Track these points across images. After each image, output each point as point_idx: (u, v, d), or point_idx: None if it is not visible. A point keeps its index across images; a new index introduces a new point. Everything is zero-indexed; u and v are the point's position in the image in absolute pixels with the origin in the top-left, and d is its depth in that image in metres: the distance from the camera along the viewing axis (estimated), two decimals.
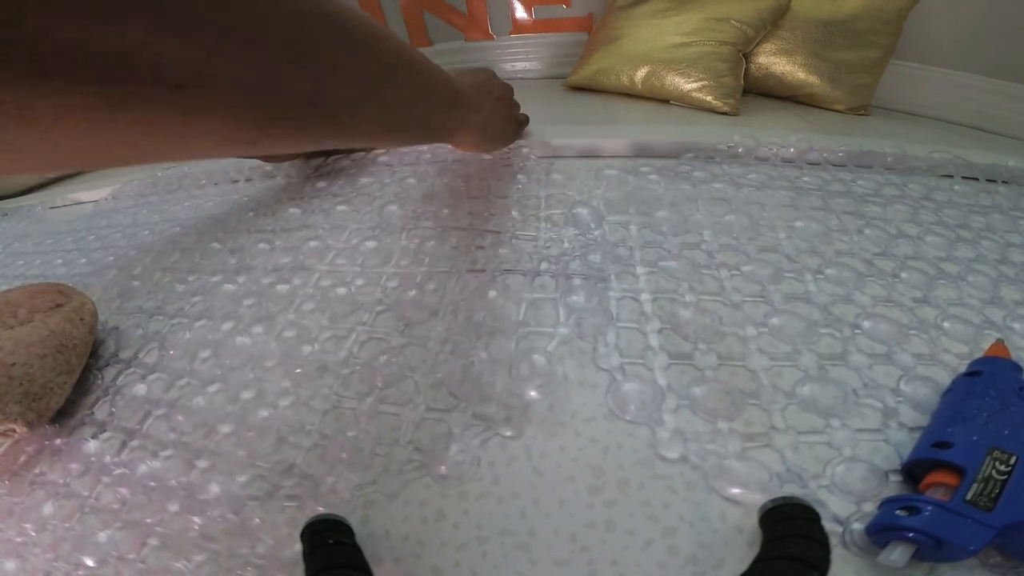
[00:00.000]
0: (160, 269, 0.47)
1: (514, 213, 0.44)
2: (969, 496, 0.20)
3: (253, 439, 0.29)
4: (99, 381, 0.36)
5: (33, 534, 0.27)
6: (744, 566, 0.20)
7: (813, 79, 0.87)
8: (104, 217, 0.62)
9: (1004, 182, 0.49)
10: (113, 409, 0.34)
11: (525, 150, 0.52)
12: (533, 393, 0.29)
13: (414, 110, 0.30)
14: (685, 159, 0.50)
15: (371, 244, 0.43)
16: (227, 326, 0.38)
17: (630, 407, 0.28)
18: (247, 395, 0.32)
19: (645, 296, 0.35)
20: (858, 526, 0.22)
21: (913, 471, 0.23)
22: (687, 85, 0.87)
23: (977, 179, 0.49)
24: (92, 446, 0.31)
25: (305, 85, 0.19)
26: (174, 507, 0.27)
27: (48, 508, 0.28)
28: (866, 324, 0.32)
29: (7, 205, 0.77)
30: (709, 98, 0.85)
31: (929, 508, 0.20)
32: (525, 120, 0.55)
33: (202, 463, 0.29)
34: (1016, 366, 0.25)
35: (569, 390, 0.30)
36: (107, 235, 0.56)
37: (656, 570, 0.22)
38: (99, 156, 0.16)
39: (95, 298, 0.39)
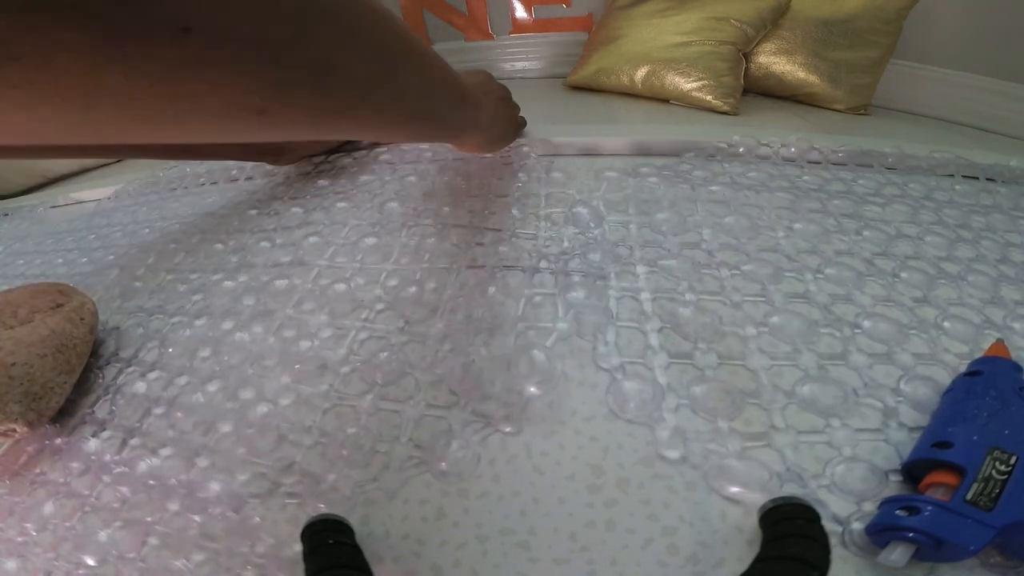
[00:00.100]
0: (161, 268, 0.47)
1: (514, 211, 0.44)
2: (969, 496, 0.20)
3: (253, 437, 0.29)
4: (99, 380, 0.36)
5: (34, 533, 0.27)
6: (744, 566, 0.20)
7: (813, 79, 0.87)
8: (105, 216, 0.62)
9: (1004, 182, 0.49)
10: (113, 408, 0.34)
11: (525, 149, 0.52)
12: (533, 389, 0.29)
13: (428, 100, 0.29)
14: (685, 158, 0.50)
15: (371, 241, 0.43)
16: (227, 324, 0.38)
17: (630, 406, 0.28)
18: (247, 393, 0.32)
19: (645, 295, 0.35)
20: (858, 526, 0.22)
21: (913, 471, 0.23)
22: (687, 85, 0.86)
23: (977, 179, 0.49)
24: (92, 445, 0.31)
25: (321, 50, 0.19)
26: (174, 505, 0.27)
27: (49, 507, 0.28)
28: (866, 324, 0.32)
29: (8, 205, 0.77)
30: (709, 98, 0.85)
31: (929, 508, 0.20)
32: (523, 122, 0.55)
33: (202, 461, 0.29)
34: (1016, 366, 0.25)
35: (569, 388, 0.30)
36: (108, 234, 0.56)
37: (656, 569, 0.22)
38: (89, 113, 0.15)
39: (96, 297, 0.39)
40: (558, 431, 0.28)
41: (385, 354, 0.32)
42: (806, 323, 0.32)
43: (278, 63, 0.17)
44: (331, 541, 0.22)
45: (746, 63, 0.89)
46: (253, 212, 0.52)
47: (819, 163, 0.50)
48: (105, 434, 0.32)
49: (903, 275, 0.36)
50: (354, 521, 0.24)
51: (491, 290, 0.36)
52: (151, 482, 0.28)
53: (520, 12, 1.12)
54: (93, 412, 0.34)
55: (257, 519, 0.26)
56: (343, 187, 0.52)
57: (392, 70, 0.24)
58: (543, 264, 0.38)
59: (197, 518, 0.26)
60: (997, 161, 0.51)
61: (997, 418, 0.22)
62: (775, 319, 0.32)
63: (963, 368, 0.27)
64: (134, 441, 0.31)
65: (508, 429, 0.28)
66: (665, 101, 0.91)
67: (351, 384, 0.32)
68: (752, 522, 0.22)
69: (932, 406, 0.26)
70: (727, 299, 0.34)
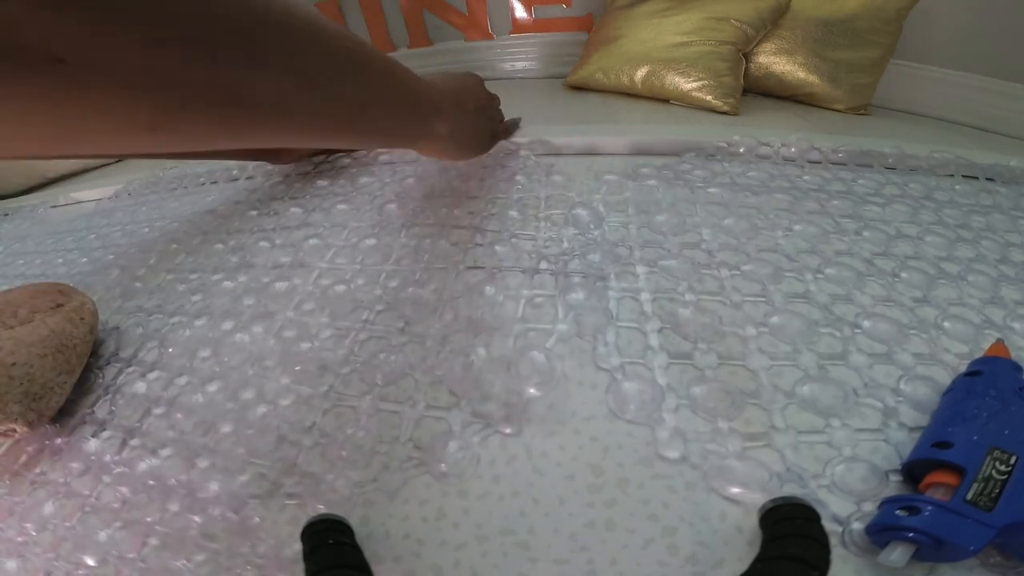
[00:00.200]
0: (161, 268, 0.47)
1: (514, 213, 0.44)
2: (969, 496, 0.20)
3: (253, 437, 0.29)
4: (99, 380, 0.36)
5: (34, 533, 0.27)
6: (744, 566, 0.20)
7: (813, 79, 0.87)
8: (104, 216, 0.62)
9: (1004, 182, 0.49)
10: (113, 408, 0.34)
11: (524, 152, 0.52)
12: (532, 390, 0.29)
13: (365, 111, 0.28)
14: (685, 159, 0.50)
15: (371, 242, 0.43)
16: (227, 324, 0.38)
17: (630, 407, 0.28)
18: (247, 393, 0.32)
19: (645, 295, 0.35)
20: (858, 526, 0.22)
21: (913, 471, 0.23)
22: (687, 85, 0.86)
23: (977, 179, 0.49)
24: (92, 445, 0.31)
25: (222, 69, 0.18)
26: (174, 506, 0.27)
27: (49, 507, 0.28)
28: (866, 324, 0.32)
29: (8, 205, 0.77)
30: (709, 98, 0.85)
31: (929, 508, 0.20)
32: (506, 130, 0.53)
33: (202, 461, 0.29)
34: (1016, 366, 0.25)
35: (569, 389, 0.30)
36: (107, 234, 0.56)
37: (656, 569, 0.22)
38: None
39: (96, 297, 0.39)
40: (558, 431, 0.28)
41: (385, 355, 0.32)
42: (806, 323, 0.32)
43: (167, 85, 0.17)
44: (331, 541, 0.22)
45: (746, 63, 0.89)
46: (253, 213, 0.52)
47: (819, 163, 0.50)
48: (105, 434, 0.32)
49: (903, 275, 0.36)
50: (354, 521, 0.24)
51: (491, 291, 0.36)
52: (151, 482, 0.28)
53: (520, 12, 1.12)
54: (93, 412, 0.34)
55: (257, 519, 0.26)
56: (342, 188, 0.53)
57: (314, 82, 0.23)
58: (543, 265, 0.38)
59: (197, 518, 0.26)
60: (997, 161, 0.51)
61: (997, 418, 0.22)
62: (775, 319, 0.32)
63: (963, 368, 0.27)
64: (134, 441, 0.31)
65: (508, 430, 0.28)
66: (665, 101, 0.91)
67: (351, 385, 0.32)
68: (752, 522, 0.22)
69: (932, 406, 0.26)
70: (727, 299, 0.34)
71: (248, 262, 0.44)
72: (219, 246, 0.48)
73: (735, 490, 0.24)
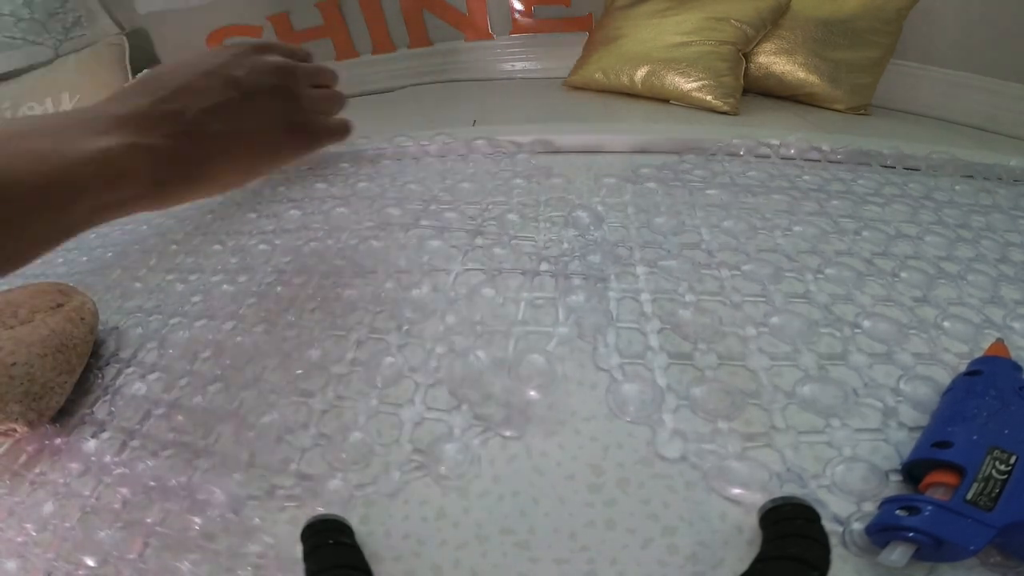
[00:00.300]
0: (161, 269, 0.47)
1: (513, 215, 0.44)
2: (969, 496, 0.20)
3: (253, 439, 0.29)
4: (99, 380, 0.36)
5: (34, 534, 0.27)
6: (744, 566, 0.20)
7: (813, 78, 0.87)
8: None
9: (1000, 179, 0.49)
10: (113, 409, 0.34)
11: (523, 154, 0.52)
12: (532, 393, 0.29)
13: None
14: (685, 158, 0.50)
15: (371, 244, 0.43)
16: (227, 326, 0.38)
17: (630, 407, 0.28)
18: (247, 395, 0.32)
19: (645, 296, 0.35)
20: (858, 526, 0.22)
21: (913, 471, 0.23)
22: (687, 85, 0.87)
23: (977, 178, 0.49)
24: (92, 446, 0.31)
25: None
26: (174, 507, 0.27)
27: (49, 507, 0.28)
28: (866, 323, 0.32)
29: None
30: (709, 98, 0.85)
31: (929, 508, 0.20)
32: (332, 131, 0.36)
33: (202, 463, 0.29)
34: (1016, 365, 0.25)
35: (569, 389, 0.30)
36: (107, 233, 0.56)
37: (656, 569, 0.22)
38: None
39: (96, 297, 0.39)
40: (558, 431, 0.28)
41: (384, 356, 0.32)
42: (806, 323, 0.32)
43: None
44: (331, 541, 0.22)
45: (746, 63, 0.89)
46: (253, 215, 0.52)
47: (819, 163, 0.50)
48: (105, 435, 0.32)
49: (903, 275, 0.36)
50: (354, 521, 0.24)
51: (491, 293, 0.36)
52: (151, 483, 0.28)
53: (520, 12, 1.12)
54: (93, 412, 0.34)
55: (257, 520, 0.26)
56: (341, 191, 0.53)
57: None
58: (543, 267, 0.38)
59: (197, 519, 0.26)
60: (997, 161, 0.51)
61: (997, 418, 0.22)
62: (775, 319, 0.32)
63: (963, 368, 0.27)
64: (134, 442, 0.31)
65: (508, 433, 0.28)
66: (665, 101, 0.91)
67: (351, 386, 0.32)
68: (752, 522, 0.22)
69: (932, 406, 0.26)
70: (727, 299, 0.34)
71: (248, 264, 0.44)
72: (218, 247, 0.48)
73: (735, 490, 0.24)
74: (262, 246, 0.46)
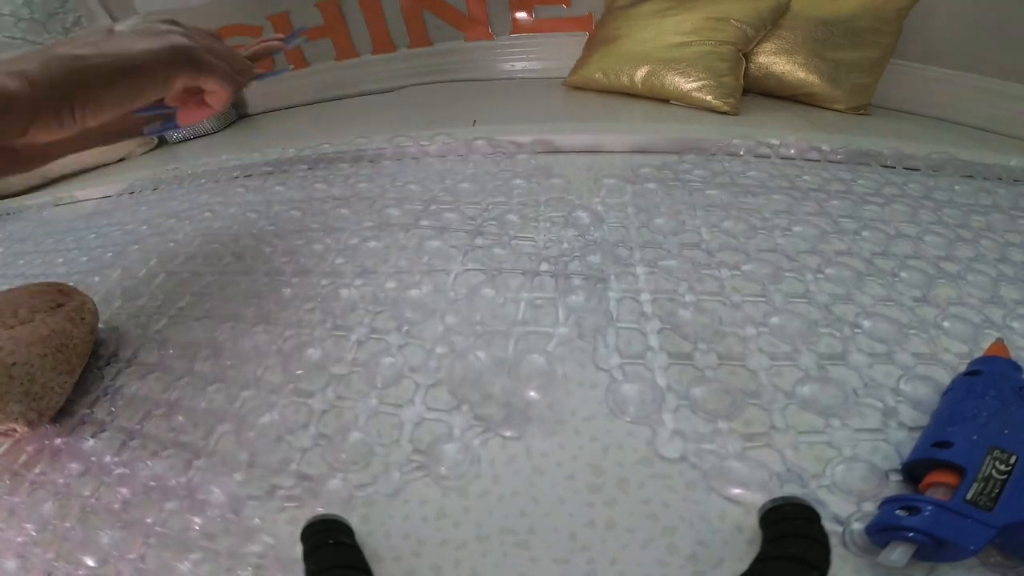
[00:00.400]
0: (161, 269, 0.47)
1: (513, 216, 0.44)
2: (969, 496, 0.20)
3: (253, 439, 0.29)
4: (99, 380, 0.36)
5: (34, 534, 0.27)
6: (744, 565, 0.20)
7: (813, 78, 0.87)
8: (105, 216, 0.62)
9: (1000, 179, 0.49)
10: (113, 409, 0.34)
11: (523, 155, 0.52)
12: (532, 393, 0.29)
13: None
14: (685, 158, 0.50)
15: (371, 244, 0.43)
16: (227, 326, 0.38)
17: (630, 407, 0.28)
18: (247, 395, 0.32)
19: (645, 296, 0.35)
20: (858, 526, 0.22)
21: (913, 471, 0.23)
22: (687, 85, 0.86)
23: (977, 178, 0.49)
24: (92, 446, 0.31)
25: None
26: (174, 507, 0.27)
27: (49, 508, 0.28)
28: (866, 323, 0.32)
29: (8, 205, 0.78)
30: (709, 98, 0.85)
31: (929, 508, 0.20)
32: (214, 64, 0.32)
33: (202, 463, 0.29)
34: (1016, 365, 0.25)
35: (569, 389, 0.30)
36: (108, 233, 0.56)
37: (656, 569, 0.22)
38: None
39: (96, 297, 0.39)
40: (558, 431, 0.28)
41: (384, 357, 0.32)
42: (806, 323, 0.32)
43: None
44: (331, 541, 0.22)
45: (746, 63, 0.89)
46: (253, 215, 0.52)
47: (818, 163, 0.50)
48: (105, 435, 0.32)
49: (903, 275, 0.36)
50: (354, 521, 0.24)
51: (491, 293, 0.36)
52: (151, 483, 0.28)
53: (520, 12, 1.12)
54: (93, 412, 0.34)
55: (257, 520, 0.26)
56: (341, 192, 0.53)
57: None
58: (543, 267, 0.38)
59: (197, 519, 0.26)
60: (997, 161, 0.51)
61: (997, 418, 0.22)
62: (775, 319, 0.32)
63: (963, 368, 0.27)
64: (134, 443, 0.31)
65: (508, 433, 0.28)
66: (665, 101, 0.91)
67: (351, 386, 0.32)
68: (752, 522, 0.22)
69: (932, 406, 0.26)
70: (727, 299, 0.34)
71: (248, 265, 0.44)
72: (218, 247, 0.48)
73: (735, 490, 0.24)
74: (262, 247, 0.46)
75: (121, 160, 0.95)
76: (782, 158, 0.50)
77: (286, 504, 0.26)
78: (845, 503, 0.23)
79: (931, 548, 0.19)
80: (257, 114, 1.23)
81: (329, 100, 1.21)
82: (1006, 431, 0.21)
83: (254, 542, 0.25)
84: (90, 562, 0.25)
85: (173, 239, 0.51)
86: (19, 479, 0.30)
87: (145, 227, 0.55)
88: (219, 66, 0.32)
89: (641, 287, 0.35)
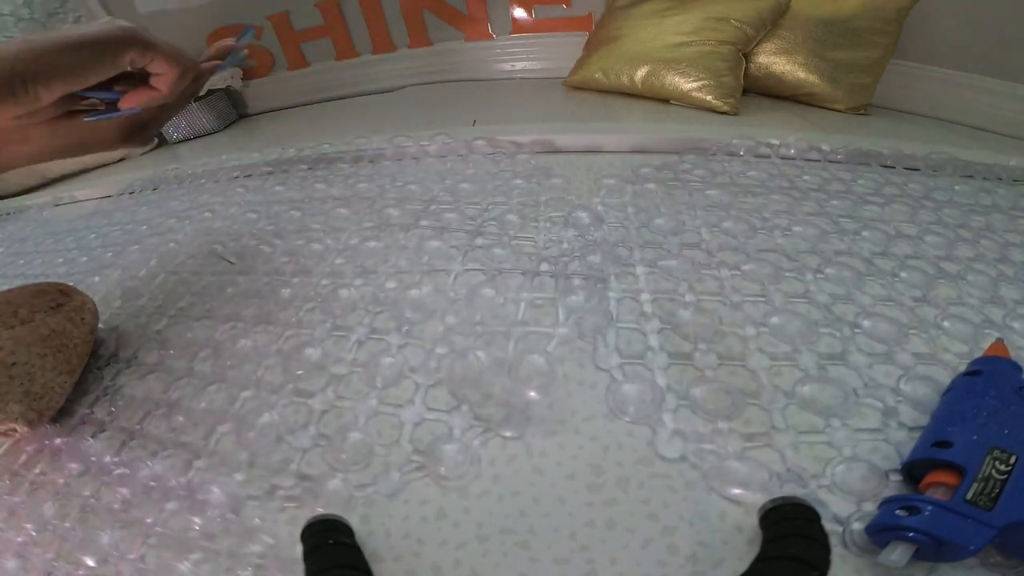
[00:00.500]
0: (161, 269, 0.47)
1: (513, 216, 0.44)
2: (969, 496, 0.20)
3: (253, 439, 0.29)
4: (99, 380, 0.36)
5: (34, 534, 0.27)
6: (744, 565, 0.20)
7: (813, 78, 0.87)
8: (105, 216, 0.62)
9: (1000, 179, 0.49)
10: (113, 409, 0.34)
11: (523, 155, 0.52)
12: (532, 393, 0.29)
13: None
14: (685, 158, 0.50)
15: (371, 244, 0.43)
16: (227, 326, 0.38)
17: (630, 407, 0.28)
18: (247, 395, 0.32)
19: (645, 296, 0.35)
20: (858, 526, 0.22)
21: (913, 471, 0.23)
22: (687, 85, 0.86)
23: (977, 178, 0.49)
24: (92, 446, 0.31)
25: None
26: (174, 507, 0.27)
27: (49, 508, 0.28)
28: (866, 323, 0.32)
29: (8, 205, 0.77)
30: (709, 98, 0.85)
31: (929, 508, 0.20)
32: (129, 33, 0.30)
33: (202, 463, 0.29)
34: (1016, 365, 0.25)
35: (569, 389, 0.30)
36: (108, 233, 0.56)
37: (656, 569, 0.22)
38: None
39: (96, 297, 0.39)
40: (558, 431, 0.28)
41: (385, 357, 0.32)
42: (806, 323, 0.32)
43: None
44: (331, 541, 0.22)
45: (746, 63, 0.89)
46: (253, 215, 0.52)
47: (818, 163, 0.50)
48: (105, 435, 0.32)
49: (903, 275, 0.36)
50: (354, 521, 0.24)
51: (491, 293, 0.36)
52: (151, 483, 0.28)
53: (520, 12, 1.12)
54: (93, 413, 0.34)
55: (257, 520, 0.26)
56: (341, 192, 0.53)
57: None
58: (543, 267, 0.38)
59: (197, 519, 0.26)
60: (997, 161, 0.51)
61: (997, 418, 0.22)
62: (775, 319, 0.32)
63: (963, 368, 0.27)
64: (134, 443, 0.31)
65: (508, 433, 0.28)
66: (665, 101, 0.90)
67: (351, 386, 0.32)
68: (752, 521, 0.22)
69: (932, 406, 0.26)
70: (727, 299, 0.34)
71: (248, 265, 0.44)
72: (218, 247, 0.48)
73: (735, 490, 0.24)
74: (262, 247, 0.46)
75: (121, 160, 0.95)
76: (782, 158, 0.50)
77: (286, 504, 0.26)
78: (845, 503, 0.23)
79: (931, 548, 0.19)
80: (257, 114, 1.23)
81: (329, 100, 1.21)
82: (1006, 431, 0.21)
83: (254, 542, 0.25)
84: (90, 562, 0.25)
85: (173, 239, 0.51)
86: (19, 479, 0.30)
87: (145, 227, 0.55)
88: (167, 46, 0.32)
89: (641, 287, 0.35)
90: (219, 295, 0.41)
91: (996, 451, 0.21)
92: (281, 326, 0.37)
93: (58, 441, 0.32)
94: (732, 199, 0.44)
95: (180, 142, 1.06)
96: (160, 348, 0.37)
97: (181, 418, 0.32)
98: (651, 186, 0.46)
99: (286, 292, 0.40)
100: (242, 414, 0.31)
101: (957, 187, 0.47)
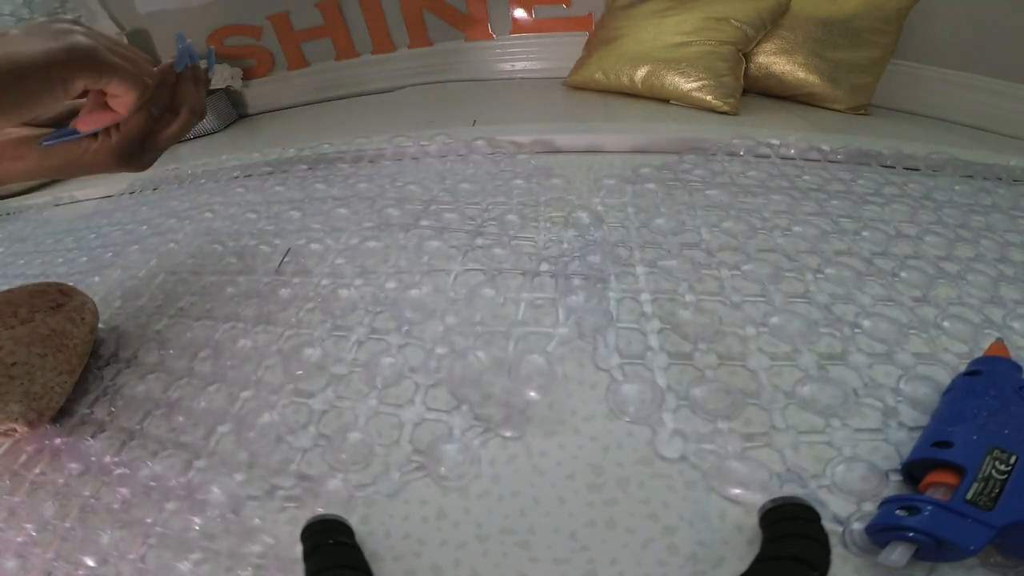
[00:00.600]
0: (161, 270, 0.47)
1: (513, 216, 0.44)
2: (969, 496, 0.20)
3: (253, 439, 0.29)
4: (99, 380, 0.36)
5: (34, 534, 0.27)
6: (744, 565, 0.20)
7: (813, 78, 0.87)
8: (105, 216, 0.62)
9: (1000, 179, 0.49)
10: (113, 409, 0.34)
11: (523, 155, 0.52)
12: (532, 393, 0.29)
13: None
14: (685, 158, 0.50)
15: (371, 244, 0.43)
16: (227, 326, 0.38)
17: (630, 407, 0.28)
18: (247, 395, 0.32)
19: (645, 296, 0.35)
20: (858, 526, 0.22)
21: (913, 471, 0.23)
22: (687, 85, 0.86)
23: (976, 178, 0.49)
24: (92, 446, 0.31)
25: None
26: (174, 507, 0.27)
27: (49, 508, 0.28)
28: (866, 323, 0.32)
29: (8, 205, 0.77)
30: (709, 98, 0.85)
31: (929, 508, 0.20)
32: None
33: (202, 463, 0.29)
34: (1016, 365, 0.25)
35: (569, 389, 0.30)
36: (108, 233, 0.56)
37: (656, 568, 0.22)
38: None
39: (96, 297, 0.39)
40: (558, 431, 0.28)
41: (385, 357, 0.32)
42: (806, 323, 0.32)
43: None
44: (331, 541, 0.22)
45: (746, 63, 0.89)
46: (252, 216, 0.52)
47: (818, 163, 0.50)
48: (105, 435, 0.32)
49: (903, 275, 0.36)
50: (354, 521, 0.24)
51: (491, 293, 0.36)
52: (151, 483, 0.28)
53: (520, 12, 1.12)
54: (93, 413, 0.34)
55: (257, 520, 0.26)
56: (341, 192, 0.52)
57: None
58: (543, 267, 0.38)
59: (197, 519, 0.26)
60: (997, 161, 0.51)
61: (997, 418, 0.22)
62: (775, 319, 0.32)
63: (963, 368, 0.27)
64: (134, 443, 0.31)
65: (508, 434, 0.28)
66: (665, 101, 0.90)
67: (351, 386, 0.32)
68: (752, 521, 0.22)
69: (932, 406, 0.26)
70: (727, 299, 0.34)
71: (248, 265, 0.44)
72: (218, 247, 0.48)
73: (735, 490, 0.24)
74: (262, 247, 0.46)
75: None
76: (782, 158, 0.50)
77: (286, 504, 0.26)
78: (845, 503, 0.23)
79: (931, 548, 0.19)
80: (257, 114, 1.23)
81: (329, 100, 1.21)
82: (1006, 431, 0.21)
83: (254, 542, 0.25)
84: (90, 562, 0.25)
85: (173, 239, 0.51)
86: (19, 479, 0.30)
87: (145, 227, 0.55)
88: (123, 66, 0.29)
89: (641, 287, 0.35)
90: (219, 295, 0.41)
91: (996, 451, 0.21)
92: (281, 326, 0.37)
93: (58, 441, 0.32)
94: (732, 199, 0.44)
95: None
96: (160, 348, 0.37)
97: (181, 418, 0.32)
98: (651, 186, 0.46)
99: (286, 292, 0.40)
100: (242, 414, 0.31)
101: (957, 187, 0.47)
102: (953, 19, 0.85)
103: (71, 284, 0.39)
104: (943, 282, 0.35)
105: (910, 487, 0.24)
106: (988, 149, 0.54)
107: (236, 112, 1.19)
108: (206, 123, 1.08)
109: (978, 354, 0.28)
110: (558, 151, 0.53)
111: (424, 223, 0.44)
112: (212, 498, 0.26)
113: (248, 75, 1.19)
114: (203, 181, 0.63)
